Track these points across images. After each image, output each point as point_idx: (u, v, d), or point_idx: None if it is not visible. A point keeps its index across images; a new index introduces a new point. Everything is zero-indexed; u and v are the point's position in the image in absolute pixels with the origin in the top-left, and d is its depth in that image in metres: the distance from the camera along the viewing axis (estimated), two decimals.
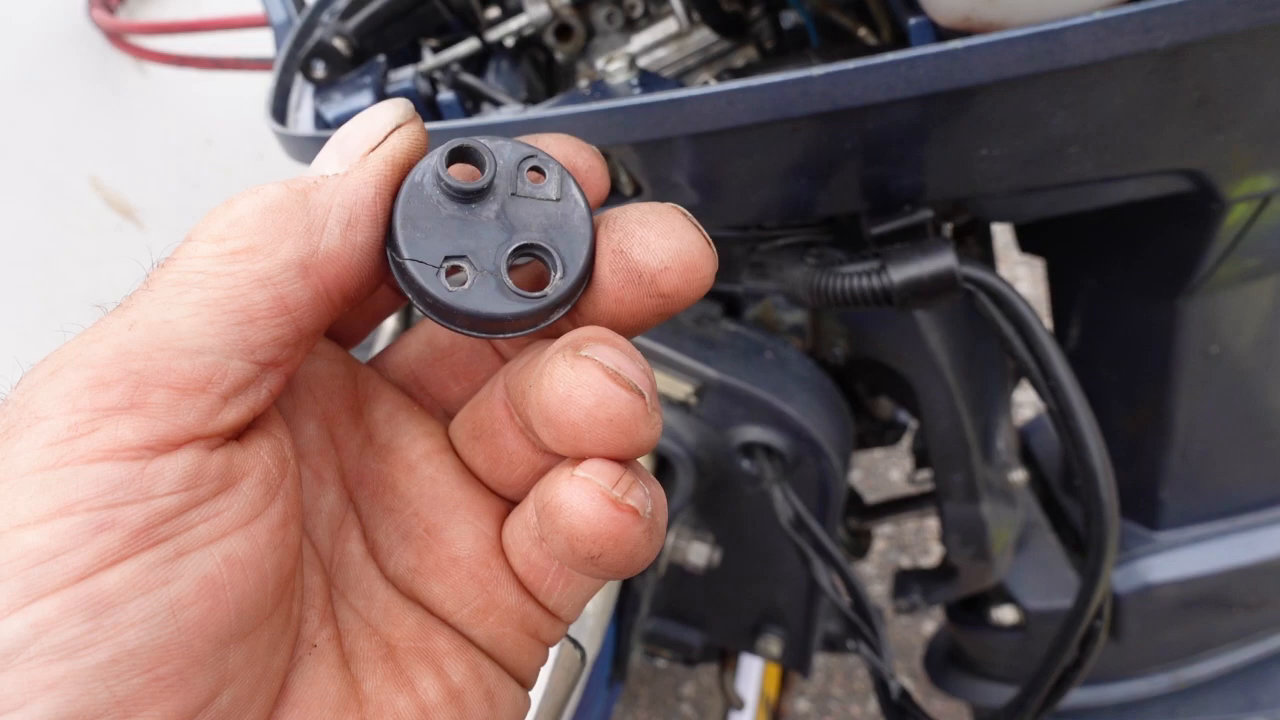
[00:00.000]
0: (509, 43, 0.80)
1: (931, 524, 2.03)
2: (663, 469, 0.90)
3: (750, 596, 1.03)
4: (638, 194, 0.69)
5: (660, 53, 0.79)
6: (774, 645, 1.04)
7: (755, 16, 0.77)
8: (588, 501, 0.31)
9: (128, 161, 1.49)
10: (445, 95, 0.72)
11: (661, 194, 0.68)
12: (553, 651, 0.39)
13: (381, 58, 0.79)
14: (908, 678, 1.81)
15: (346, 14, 0.79)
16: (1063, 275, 1.05)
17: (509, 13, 0.79)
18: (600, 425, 0.30)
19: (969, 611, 1.18)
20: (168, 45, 1.49)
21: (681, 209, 0.34)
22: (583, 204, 0.35)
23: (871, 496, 1.48)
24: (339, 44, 0.75)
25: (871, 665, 0.93)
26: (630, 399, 0.30)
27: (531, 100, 0.79)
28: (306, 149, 0.72)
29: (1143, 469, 1.04)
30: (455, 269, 0.33)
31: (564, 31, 0.80)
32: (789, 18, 0.74)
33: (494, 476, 0.37)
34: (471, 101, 0.76)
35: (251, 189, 0.32)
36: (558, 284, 0.34)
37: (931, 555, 2.04)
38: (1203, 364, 0.93)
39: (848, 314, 0.92)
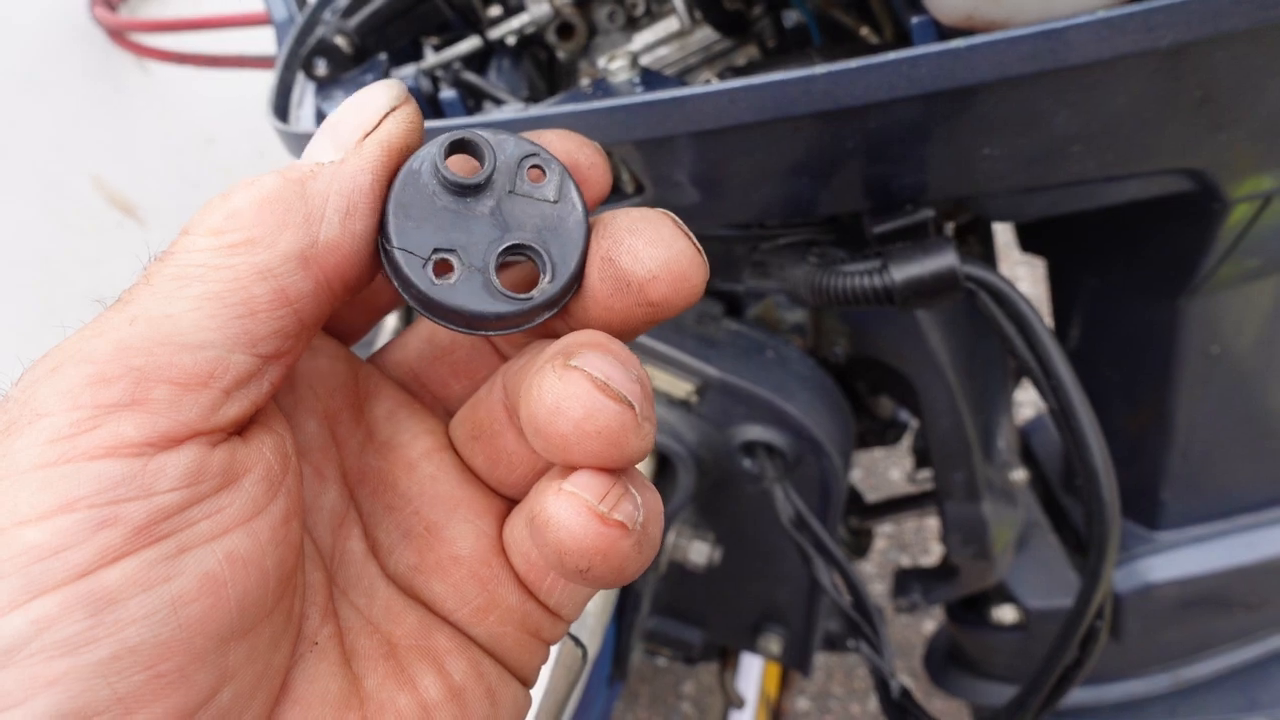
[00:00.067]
0: (511, 41, 0.80)
1: (932, 523, 2.03)
2: (663, 468, 0.90)
3: (751, 595, 1.03)
4: (639, 192, 0.69)
5: (662, 51, 0.79)
6: (774, 644, 1.04)
7: (757, 15, 0.77)
8: (574, 517, 0.30)
9: (129, 160, 1.49)
10: (447, 93, 0.72)
11: (663, 192, 0.68)
12: (554, 650, 0.39)
13: (383, 55, 0.79)
14: (908, 677, 1.81)
15: (348, 12, 0.79)
16: (1064, 275, 1.05)
17: (511, 11, 0.79)
18: (589, 437, 0.30)
19: (969, 611, 1.18)
20: (169, 43, 1.49)
21: (672, 216, 0.34)
22: (580, 208, 0.34)
23: (872, 495, 1.48)
24: (341, 42, 0.75)
25: (872, 664, 0.93)
26: (619, 410, 0.30)
27: (533, 99, 0.79)
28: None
29: (1143, 469, 1.04)
30: (443, 262, 0.33)
31: (566, 30, 0.80)
32: (791, 16, 0.74)
33: (494, 476, 0.37)
34: (473, 99, 0.76)
35: (247, 180, 0.32)
36: (545, 287, 0.33)
37: (932, 554, 2.04)
38: (1204, 364, 0.93)
39: (849, 313, 0.92)
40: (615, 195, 0.71)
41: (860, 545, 1.30)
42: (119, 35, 1.48)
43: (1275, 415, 1.00)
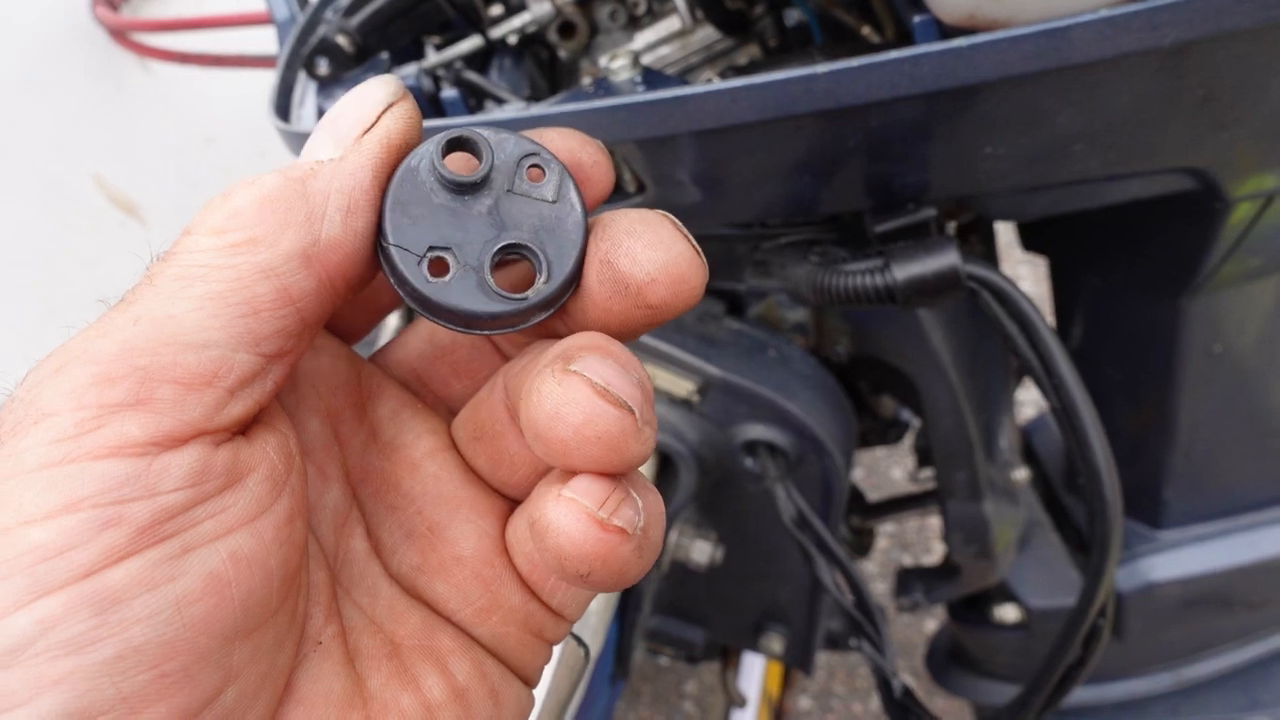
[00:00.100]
0: (512, 40, 0.80)
1: (934, 522, 2.03)
2: (665, 467, 0.90)
3: (753, 594, 1.03)
4: (641, 191, 0.69)
5: (663, 50, 0.79)
6: (776, 643, 1.04)
7: (759, 14, 0.77)
8: (574, 523, 0.30)
9: (130, 159, 1.49)
10: (448, 92, 0.72)
11: (665, 191, 0.68)
12: (556, 649, 0.39)
13: (385, 55, 0.79)
14: (910, 676, 1.81)
15: (350, 11, 0.79)
16: (1066, 274, 1.05)
17: (512, 10, 0.79)
18: (588, 443, 0.30)
19: (971, 610, 1.18)
20: (171, 43, 1.49)
21: (671, 218, 0.34)
22: (579, 209, 0.34)
23: (874, 495, 1.48)
24: (342, 41, 0.75)
25: (874, 663, 0.93)
26: (619, 416, 0.30)
27: (535, 98, 0.79)
28: None
29: (1146, 468, 1.04)
30: (439, 260, 0.32)
31: (567, 29, 0.80)
32: (792, 15, 0.74)
33: (497, 477, 0.37)
34: (475, 99, 0.76)
35: (248, 179, 0.32)
36: (540, 288, 0.33)
37: (934, 554, 2.04)
38: (1206, 363, 0.93)
39: (851, 312, 0.92)
40: (616, 194, 0.71)
41: (862, 544, 1.29)
42: (121, 35, 1.48)
43: (1277, 414, 1.00)
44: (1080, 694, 1.14)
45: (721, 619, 1.08)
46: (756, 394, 0.85)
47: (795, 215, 0.78)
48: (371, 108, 0.33)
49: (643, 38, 0.78)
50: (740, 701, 1.27)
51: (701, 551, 0.96)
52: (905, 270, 0.69)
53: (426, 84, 0.75)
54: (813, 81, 0.58)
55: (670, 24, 0.78)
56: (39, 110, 1.42)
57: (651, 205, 0.69)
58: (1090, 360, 0.99)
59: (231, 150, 1.58)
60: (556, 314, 0.35)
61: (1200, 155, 0.68)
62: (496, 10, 0.80)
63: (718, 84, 0.60)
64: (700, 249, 0.34)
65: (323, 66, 0.76)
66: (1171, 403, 0.97)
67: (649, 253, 0.33)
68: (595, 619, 0.77)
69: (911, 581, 1.17)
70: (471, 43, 0.79)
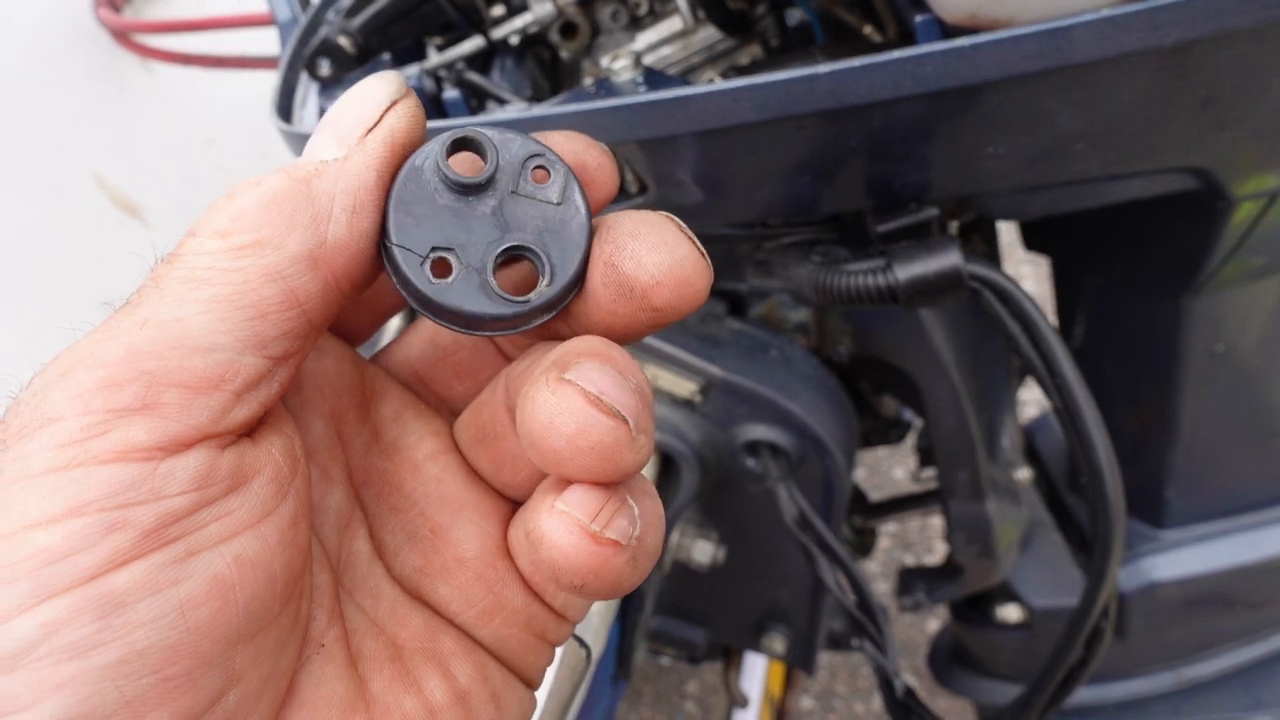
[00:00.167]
0: (514, 41, 0.80)
1: (936, 522, 2.03)
2: (667, 467, 0.90)
3: (754, 594, 1.03)
4: (642, 191, 0.69)
5: (665, 50, 0.79)
6: (778, 643, 1.04)
7: (760, 14, 0.77)
8: (567, 536, 0.30)
9: (132, 160, 1.49)
10: (450, 93, 0.72)
11: (666, 192, 0.68)
12: (558, 650, 0.39)
13: (387, 56, 0.79)
14: (912, 676, 1.81)
15: (351, 12, 0.79)
16: (1068, 273, 1.05)
17: (514, 11, 0.79)
18: (582, 453, 0.30)
19: (973, 610, 1.18)
20: (173, 44, 1.49)
21: (675, 220, 0.34)
22: (583, 211, 0.34)
23: (876, 494, 1.47)
24: (344, 42, 0.75)
25: (876, 663, 0.93)
26: (613, 426, 0.30)
27: (536, 98, 0.79)
28: None
29: (1147, 467, 1.04)
30: (441, 261, 0.32)
31: (569, 29, 0.80)
32: (794, 15, 0.74)
33: (499, 479, 0.37)
34: (476, 100, 0.76)
35: (252, 179, 0.31)
36: (543, 290, 0.33)
37: (936, 553, 2.04)
38: (1208, 362, 0.93)
39: (853, 312, 0.92)
40: (618, 195, 0.71)
41: (864, 544, 1.29)
42: (123, 36, 1.48)
43: (1279, 414, 1.00)
44: (1082, 694, 1.14)
45: (723, 619, 1.08)
46: (758, 394, 0.85)
47: (797, 215, 0.78)
48: (374, 106, 0.33)
49: (644, 38, 0.78)
50: (742, 702, 1.27)
51: (703, 552, 0.96)
52: (907, 270, 0.69)
53: (428, 85, 0.76)
54: (815, 81, 0.58)
55: (672, 24, 0.78)
56: (40, 111, 1.42)
57: (653, 205, 0.69)
58: (1092, 360, 0.99)
59: (233, 151, 1.58)
60: (560, 316, 0.35)
61: (1202, 155, 0.68)
62: (498, 11, 0.80)
63: (719, 84, 0.60)
64: (704, 251, 0.33)
65: (324, 67, 0.76)
66: (1173, 402, 0.97)
67: (653, 255, 0.33)
68: (597, 620, 0.77)
69: (914, 581, 1.17)
70: (473, 43, 0.79)
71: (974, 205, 0.80)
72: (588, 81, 0.82)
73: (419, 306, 0.33)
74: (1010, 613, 1.13)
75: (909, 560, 2.05)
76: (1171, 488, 1.04)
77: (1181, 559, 1.06)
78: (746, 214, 0.73)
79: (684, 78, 0.77)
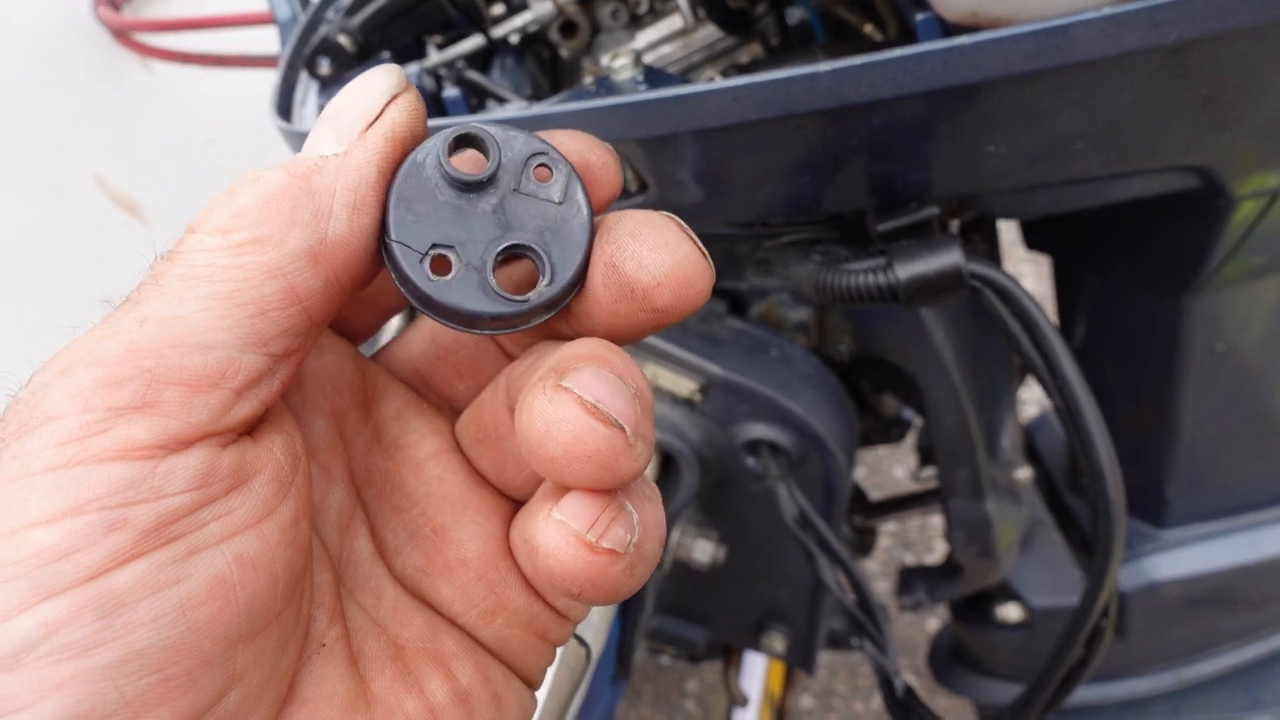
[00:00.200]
0: (514, 39, 0.80)
1: (936, 521, 2.03)
2: (667, 466, 0.90)
3: (755, 594, 1.03)
4: (643, 190, 0.69)
5: (665, 49, 0.79)
6: (778, 642, 1.04)
7: (760, 13, 0.77)
8: (563, 546, 0.30)
9: (132, 159, 1.49)
10: (450, 92, 0.72)
11: (667, 190, 0.68)
12: (558, 650, 0.39)
13: (386, 54, 0.79)
14: (912, 675, 1.81)
15: (351, 11, 0.79)
16: (1068, 272, 1.05)
17: (514, 9, 0.79)
18: (578, 461, 0.30)
19: (973, 609, 1.18)
20: (173, 43, 1.49)
21: (676, 220, 0.34)
22: (585, 211, 0.34)
23: (876, 494, 1.47)
24: (344, 41, 0.75)
25: (876, 662, 0.93)
26: (609, 435, 0.30)
27: (536, 97, 0.79)
28: None
29: (1148, 467, 1.04)
30: (441, 258, 0.32)
31: (569, 28, 0.80)
32: (794, 14, 0.73)
33: (501, 478, 0.37)
34: (476, 98, 0.76)
35: (251, 176, 0.31)
36: (542, 290, 0.33)
37: (936, 553, 2.04)
38: (1209, 361, 0.93)
39: (853, 311, 0.92)
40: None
41: (864, 543, 1.29)
42: (122, 35, 1.48)
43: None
44: (1082, 693, 1.14)
45: (723, 618, 1.08)
46: (758, 393, 0.85)
47: (797, 214, 0.78)
48: (375, 100, 0.32)
49: (644, 36, 0.78)
50: (742, 701, 1.27)
51: (703, 551, 0.96)
52: (908, 269, 0.69)
53: (428, 83, 0.75)
54: (815, 80, 0.58)
55: (672, 23, 0.78)
56: (40, 110, 1.42)
57: (653, 204, 0.69)
58: (1093, 359, 0.99)
59: (233, 150, 1.58)
60: (561, 315, 0.34)
61: (1202, 154, 0.68)
62: (498, 9, 0.80)
63: (720, 83, 0.59)
64: (706, 252, 0.33)
65: (324, 66, 0.76)
66: (1174, 401, 0.97)
67: (654, 256, 0.32)
68: (597, 619, 0.77)
69: (914, 580, 1.17)
70: (473, 42, 0.79)
71: (975, 204, 0.80)
72: (588, 80, 0.82)
73: (418, 304, 0.33)
74: (1010, 612, 1.13)
75: (909, 559, 2.05)
76: (1172, 487, 1.04)
77: (1182, 558, 1.06)
78: (747, 213, 0.73)
79: (684, 76, 0.77)
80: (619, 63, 0.66)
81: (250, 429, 0.31)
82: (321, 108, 0.76)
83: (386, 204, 0.32)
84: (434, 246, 0.32)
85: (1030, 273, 2.37)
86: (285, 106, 0.78)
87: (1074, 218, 0.80)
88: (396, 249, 0.32)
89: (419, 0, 0.77)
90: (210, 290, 0.29)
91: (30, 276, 1.32)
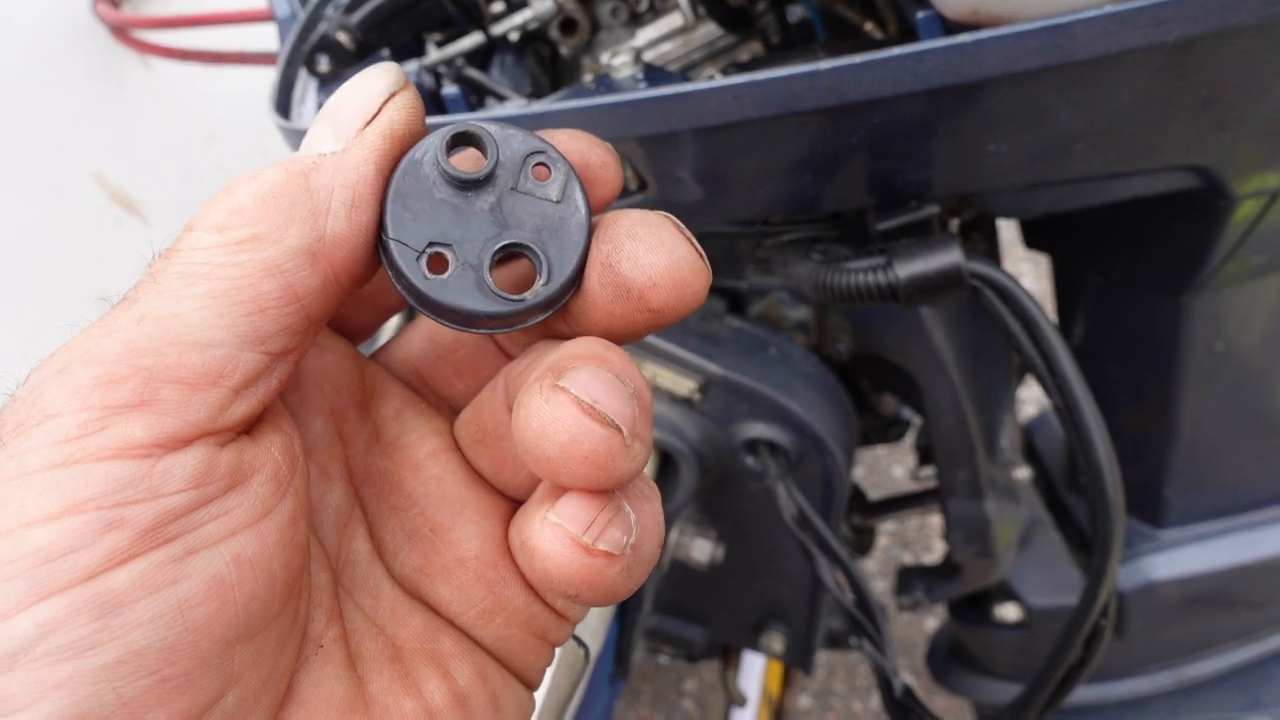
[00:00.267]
0: (513, 37, 0.80)
1: (935, 521, 2.03)
2: (666, 465, 0.90)
3: (753, 593, 1.03)
4: (642, 189, 0.69)
5: (665, 47, 0.78)
6: (777, 642, 1.04)
7: (761, 11, 0.77)
8: (559, 548, 0.30)
9: (131, 157, 1.48)
10: (449, 89, 0.72)
11: (666, 189, 0.68)
12: (557, 650, 0.38)
13: (386, 52, 0.79)
14: (910, 674, 1.81)
15: (351, 8, 0.79)
16: (1068, 271, 1.05)
17: (513, 7, 0.79)
18: (575, 462, 0.30)
19: (972, 609, 1.18)
20: (172, 40, 1.49)
21: (673, 220, 0.33)
22: (583, 210, 0.33)
23: (875, 493, 1.47)
24: (343, 38, 0.75)
25: (874, 662, 0.93)
26: (606, 435, 0.29)
27: (536, 95, 0.78)
28: None
29: (1147, 466, 1.04)
30: (438, 257, 0.32)
31: (569, 25, 0.79)
32: (795, 12, 0.73)
33: (500, 478, 0.37)
34: (476, 96, 0.76)
35: (250, 174, 0.31)
36: (539, 289, 0.33)
37: (934, 552, 2.04)
38: (1208, 361, 0.93)
39: (852, 310, 0.92)
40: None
41: (863, 543, 1.29)
42: (121, 32, 1.48)
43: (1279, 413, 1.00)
44: (1081, 693, 1.14)
45: (722, 618, 1.08)
46: (757, 392, 0.85)
47: (797, 213, 0.78)
48: (373, 97, 0.32)
49: (644, 34, 0.78)
50: (740, 700, 1.27)
51: (702, 550, 0.96)
52: (908, 268, 0.69)
53: (427, 81, 0.75)
54: (815, 78, 0.58)
55: (672, 20, 0.78)
56: (39, 108, 1.42)
57: (653, 202, 0.69)
58: (1092, 358, 0.99)
59: (233, 148, 1.57)
60: (558, 315, 0.34)
61: (1203, 153, 0.68)
62: (498, 7, 0.80)
63: (720, 81, 0.59)
64: (703, 252, 0.33)
65: (323, 64, 0.76)
66: (1174, 401, 0.97)
67: (651, 256, 0.32)
68: (595, 619, 0.77)
69: (912, 580, 1.17)
70: (473, 39, 0.79)
71: (975, 203, 0.80)
72: (588, 78, 0.81)
73: (414, 302, 0.33)
74: (1009, 612, 1.13)
75: (907, 559, 2.05)
76: (1171, 487, 1.04)
77: (1181, 558, 1.06)
78: (747, 211, 0.73)
79: (684, 74, 0.76)
80: (619, 60, 0.66)
81: (248, 428, 0.31)
82: (320, 105, 0.76)
83: (384, 201, 0.32)
84: (431, 245, 0.32)
85: (1029, 271, 2.37)
86: (284, 104, 0.78)
87: (1074, 217, 0.79)
88: (393, 247, 0.32)
89: None
90: (208, 288, 0.29)
91: (30, 276, 1.32)
